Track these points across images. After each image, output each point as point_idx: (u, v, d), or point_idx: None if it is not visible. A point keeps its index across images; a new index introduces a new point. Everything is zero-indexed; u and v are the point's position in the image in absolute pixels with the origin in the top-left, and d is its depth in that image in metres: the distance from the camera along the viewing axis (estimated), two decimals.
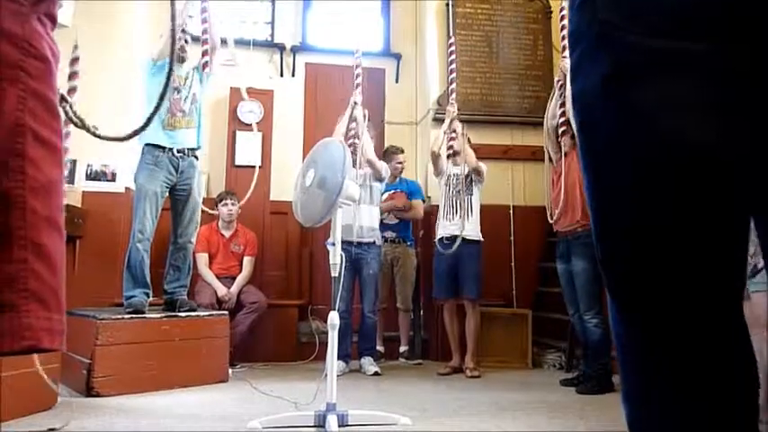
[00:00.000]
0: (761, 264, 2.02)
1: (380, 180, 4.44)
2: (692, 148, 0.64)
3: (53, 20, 0.88)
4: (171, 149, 3.78)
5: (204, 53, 3.98)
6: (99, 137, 1.45)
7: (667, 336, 0.70)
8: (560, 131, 3.91)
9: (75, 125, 1.40)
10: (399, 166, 4.90)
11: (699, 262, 0.67)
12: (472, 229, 4.33)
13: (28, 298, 0.81)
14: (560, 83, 3.94)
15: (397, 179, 5.00)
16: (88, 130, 1.43)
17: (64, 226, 0.89)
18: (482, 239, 4.39)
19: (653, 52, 0.65)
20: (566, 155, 3.89)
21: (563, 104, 3.91)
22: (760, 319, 1.93)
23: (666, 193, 0.66)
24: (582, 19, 0.73)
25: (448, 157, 4.42)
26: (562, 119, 3.90)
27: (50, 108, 0.85)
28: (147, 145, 3.77)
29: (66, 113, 1.31)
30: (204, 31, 3.98)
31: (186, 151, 3.84)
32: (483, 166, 4.43)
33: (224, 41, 4.20)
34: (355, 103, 4.26)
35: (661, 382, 0.71)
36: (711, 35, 0.63)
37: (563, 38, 3.96)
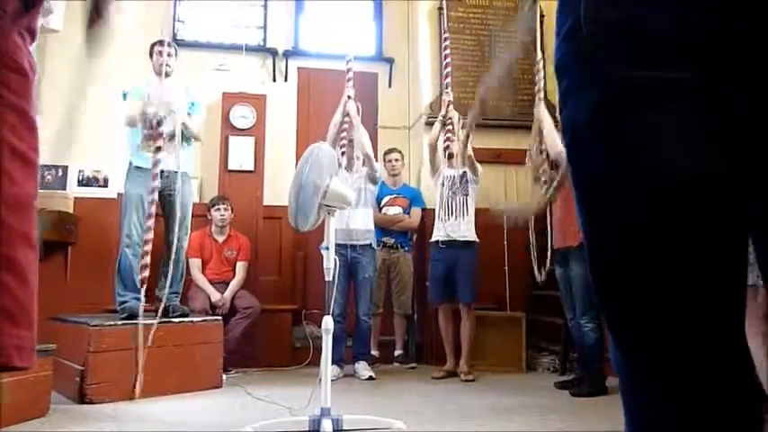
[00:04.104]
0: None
1: (374, 182, 4.40)
2: (681, 178, 0.63)
3: (33, 35, 0.86)
4: None
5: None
6: None
7: (670, 373, 0.68)
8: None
9: None
10: (391, 165, 4.90)
11: (695, 291, 0.66)
12: (468, 230, 4.34)
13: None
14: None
15: (399, 185, 5.01)
16: None
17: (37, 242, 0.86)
18: (477, 240, 4.38)
19: (637, 84, 0.65)
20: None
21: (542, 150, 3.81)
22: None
23: (657, 225, 0.65)
24: (568, 50, 0.72)
25: (449, 157, 4.38)
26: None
27: (28, 123, 0.83)
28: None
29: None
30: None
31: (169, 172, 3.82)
32: (479, 166, 4.43)
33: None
34: (348, 97, 4.19)
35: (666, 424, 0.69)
36: (695, 64, 0.63)
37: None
